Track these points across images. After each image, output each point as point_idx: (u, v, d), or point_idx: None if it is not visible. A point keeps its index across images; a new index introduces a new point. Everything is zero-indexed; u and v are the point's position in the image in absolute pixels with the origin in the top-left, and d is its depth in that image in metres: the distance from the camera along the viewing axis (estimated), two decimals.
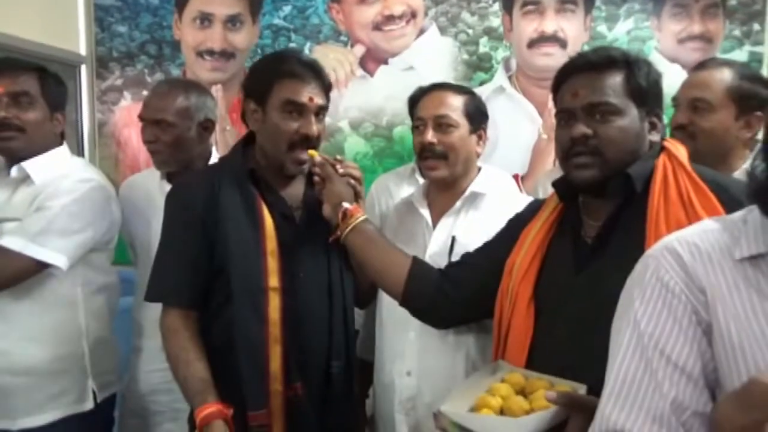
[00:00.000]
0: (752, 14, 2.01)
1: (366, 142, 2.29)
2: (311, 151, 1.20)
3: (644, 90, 0.93)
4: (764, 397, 0.31)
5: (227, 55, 2.36)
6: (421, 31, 2.23)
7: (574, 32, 2.12)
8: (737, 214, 0.65)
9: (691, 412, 0.57)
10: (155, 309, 1.43)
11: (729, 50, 2.02)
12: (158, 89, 1.53)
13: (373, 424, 1.44)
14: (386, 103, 2.25)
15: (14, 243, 1.30)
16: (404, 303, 1.14)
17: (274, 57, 1.25)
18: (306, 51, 2.30)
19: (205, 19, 2.36)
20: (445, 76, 2.15)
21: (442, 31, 2.22)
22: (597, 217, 0.96)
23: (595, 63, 0.94)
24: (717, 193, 0.86)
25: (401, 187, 1.64)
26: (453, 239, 1.25)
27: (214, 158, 1.57)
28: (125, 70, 2.45)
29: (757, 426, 0.30)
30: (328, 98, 1.23)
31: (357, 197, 1.21)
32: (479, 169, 1.35)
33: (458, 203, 1.29)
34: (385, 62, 2.26)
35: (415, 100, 1.37)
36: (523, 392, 0.88)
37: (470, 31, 2.20)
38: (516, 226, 1.08)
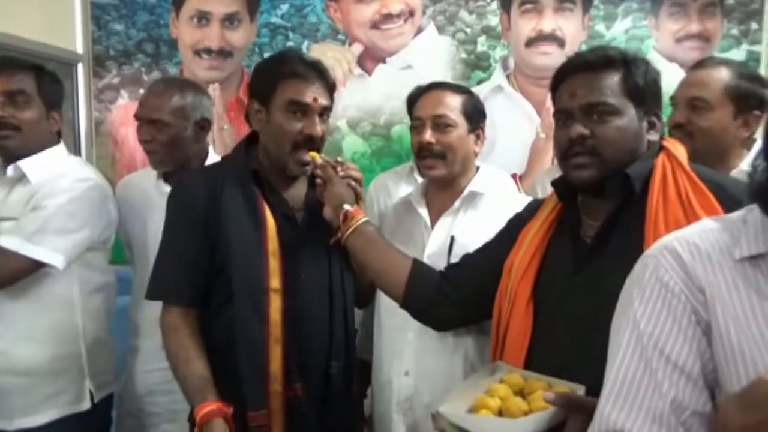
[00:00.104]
0: (750, 13, 2.02)
1: (364, 141, 2.29)
2: (312, 153, 1.20)
3: (642, 89, 0.92)
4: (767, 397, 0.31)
5: (225, 53, 2.35)
6: (419, 30, 2.23)
7: (572, 31, 2.12)
8: (737, 214, 0.64)
9: (691, 412, 0.57)
10: (152, 308, 1.43)
11: (727, 49, 2.03)
12: (154, 88, 1.52)
13: (371, 423, 1.44)
14: (384, 102, 2.25)
15: (10, 242, 1.29)
16: (405, 305, 1.14)
17: (278, 57, 1.25)
18: (304, 50, 2.29)
19: (203, 18, 2.35)
20: (443, 75, 2.15)
21: (440, 29, 2.22)
22: (596, 217, 0.96)
23: (592, 63, 0.94)
24: (715, 192, 0.86)
25: (400, 186, 1.64)
26: (452, 239, 1.25)
27: (211, 157, 1.56)
28: (122, 69, 2.44)
29: (760, 426, 0.30)
30: (332, 99, 1.23)
31: (358, 199, 1.21)
32: (477, 168, 1.35)
33: (457, 203, 1.29)
34: (383, 61, 2.26)
35: (413, 100, 1.37)
36: (521, 393, 0.88)
37: (468, 30, 2.20)
38: (515, 226, 1.08)
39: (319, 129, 1.19)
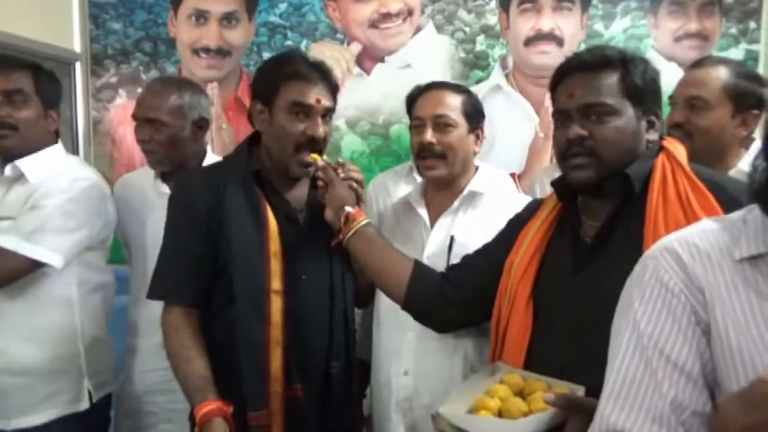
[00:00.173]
0: (748, 12, 2.02)
1: (363, 140, 2.28)
2: (314, 155, 1.20)
3: (640, 89, 0.92)
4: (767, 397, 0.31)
5: (223, 52, 2.35)
6: (418, 29, 2.23)
7: (571, 30, 2.12)
8: (737, 214, 0.64)
9: (691, 412, 0.57)
10: (150, 308, 1.43)
11: (725, 48, 2.03)
12: (152, 88, 1.52)
13: (369, 423, 1.44)
14: (383, 102, 2.25)
15: (8, 242, 1.29)
16: (406, 307, 1.14)
17: (281, 58, 1.25)
18: (302, 49, 2.29)
19: (201, 17, 2.35)
20: (442, 74, 2.15)
21: (439, 29, 2.21)
22: (596, 217, 0.96)
23: (590, 63, 0.93)
24: (715, 192, 0.86)
25: (399, 186, 1.64)
26: (452, 239, 1.25)
27: (209, 157, 1.56)
28: (120, 68, 2.44)
29: (760, 426, 0.30)
30: (335, 100, 1.23)
31: (359, 200, 1.21)
32: (477, 168, 1.35)
33: (456, 203, 1.29)
34: (382, 60, 2.26)
35: (412, 99, 1.37)
36: (521, 394, 0.88)
37: (467, 29, 2.20)
38: (515, 226, 1.08)
39: (321, 130, 1.19)
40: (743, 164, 1.32)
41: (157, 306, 1.29)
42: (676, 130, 1.32)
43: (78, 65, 2.44)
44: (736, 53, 2.01)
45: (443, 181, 1.30)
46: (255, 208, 1.17)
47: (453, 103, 1.27)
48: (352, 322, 1.28)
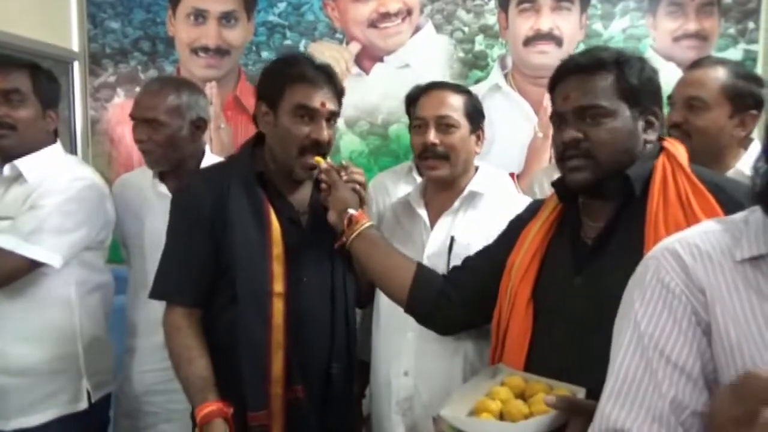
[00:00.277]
0: (747, 12, 2.02)
1: (362, 140, 2.28)
2: (317, 158, 1.20)
3: (636, 89, 0.92)
4: (757, 389, 0.32)
5: (222, 52, 2.35)
6: (417, 29, 2.22)
7: (570, 30, 2.12)
8: (739, 215, 0.65)
9: (690, 412, 0.57)
10: (149, 308, 1.43)
11: (724, 48, 2.03)
12: (149, 87, 1.51)
13: (369, 423, 1.44)
14: (382, 101, 2.25)
15: (7, 242, 1.29)
16: (408, 309, 1.14)
17: (287, 60, 1.24)
18: (301, 48, 2.29)
19: (200, 16, 2.34)
20: (441, 74, 2.15)
21: (438, 28, 2.21)
22: (596, 218, 0.96)
23: (584, 66, 0.94)
24: (715, 194, 0.86)
25: (399, 186, 1.64)
26: (452, 239, 1.25)
27: (208, 157, 1.56)
28: (118, 67, 2.43)
29: (747, 416, 0.31)
30: (340, 104, 1.23)
31: (362, 203, 1.21)
32: (476, 168, 1.35)
33: (456, 203, 1.29)
34: (381, 60, 2.25)
35: (412, 99, 1.37)
36: (522, 396, 0.88)
37: (466, 29, 2.20)
38: (516, 227, 1.08)
39: (326, 134, 1.19)
40: (741, 165, 1.33)
41: (155, 306, 1.29)
42: (675, 130, 1.33)
43: (76, 64, 2.43)
44: (735, 53, 2.01)
45: (444, 181, 1.29)
46: (258, 210, 1.17)
47: (455, 104, 1.27)
48: (353, 323, 1.28)
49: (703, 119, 1.32)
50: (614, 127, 0.91)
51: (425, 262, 1.21)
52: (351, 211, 1.16)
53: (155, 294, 1.21)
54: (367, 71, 2.27)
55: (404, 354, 1.27)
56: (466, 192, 1.29)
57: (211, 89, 2.32)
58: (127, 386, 1.55)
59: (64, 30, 2.40)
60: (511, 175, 2.00)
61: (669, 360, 0.59)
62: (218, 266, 1.17)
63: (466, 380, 1.19)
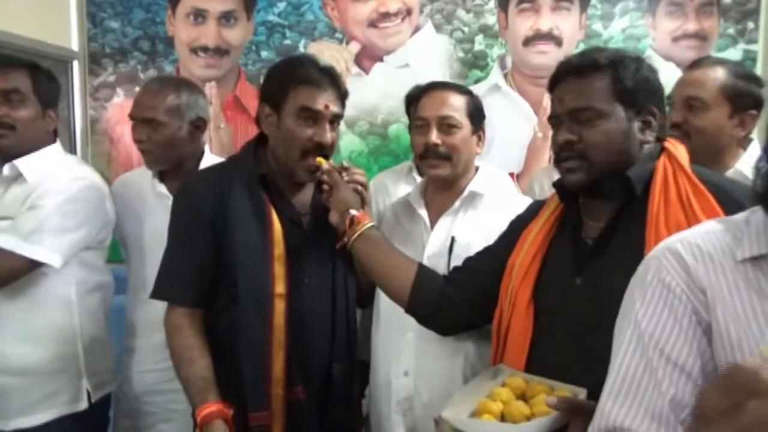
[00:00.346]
0: (746, 12, 2.02)
1: (361, 140, 2.28)
2: (319, 159, 1.20)
3: (631, 90, 0.92)
4: (743, 382, 0.32)
5: (221, 51, 2.34)
6: (417, 29, 2.22)
7: (570, 30, 2.12)
8: (740, 216, 0.65)
9: (690, 411, 0.57)
10: (148, 308, 1.43)
11: (723, 48, 2.03)
12: (149, 87, 1.51)
13: (368, 423, 1.44)
14: (381, 101, 2.25)
15: (7, 242, 1.28)
16: (410, 310, 1.14)
17: (291, 62, 1.24)
18: (301, 48, 2.29)
19: (199, 15, 2.34)
20: (441, 73, 2.15)
21: (438, 28, 2.21)
22: (597, 219, 0.97)
23: (578, 68, 0.95)
24: (716, 194, 0.86)
25: (399, 185, 1.64)
26: (452, 239, 1.25)
27: (207, 157, 1.56)
28: (118, 67, 2.43)
29: (734, 409, 0.32)
30: (343, 106, 1.23)
31: (363, 203, 1.21)
32: (477, 168, 1.35)
33: (457, 203, 1.29)
34: (381, 60, 2.25)
35: (412, 99, 1.36)
36: (523, 396, 0.88)
37: (466, 29, 2.20)
38: (517, 228, 1.08)
39: (329, 136, 1.19)
40: (741, 165, 1.33)
41: (154, 306, 1.29)
42: (674, 130, 1.33)
43: (76, 64, 2.43)
44: (734, 53, 2.01)
45: (445, 181, 1.29)
46: (260, 211, 1.17)
47: (458, 104, 1.27)
48: (354, 323, 1.28)
49: (702, 119, 1.32)
50: (608, 129, 0.92)
51: (425, 262, 1.21)
52: (352, 211, 1.16)
53: (157, 294, 1.21)
54: (366, 71, 2.27)
55: (404, 354, 1.27)
56: (466, 192, 1.29)
57: (210, 89, 2.32)
58: (126, 386, 1.55)
59: (64, 29, 2.39)
60: (511, 175, 2.01)
61: (669, 359, 0.59)
62: (219, 266, 1.17)
63: (467, 380, 1.19)
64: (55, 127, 1.47)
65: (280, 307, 1.16)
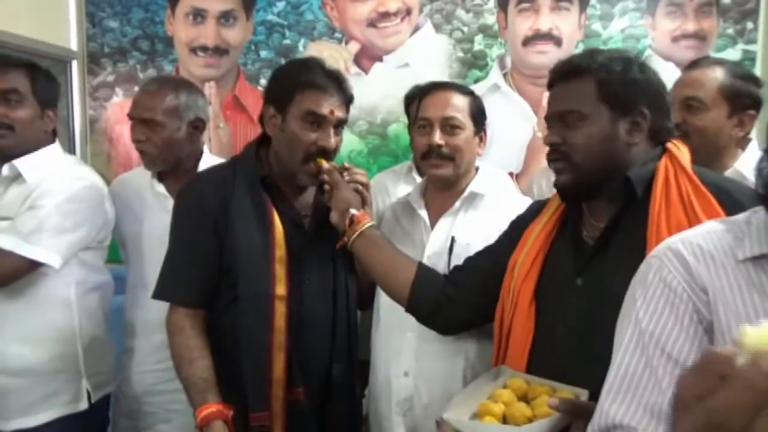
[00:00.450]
0: (746, 13, 2.02)
1: (360, 140, 2.28)
2: (320, 159, 1.20)
3: (616, 92, 0.93)
4: (716, 365, 0.33)
5: (220, 51, 2.34)
6: (416, 29, 2.22)
7: (569, 30, 2.12)
8: (741, 216, 0.65)
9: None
10: (147, 309, 1.43)
11: (722, 48, 2.03)
12: (147, 87, 1.50)
13: (367, 423, 1.44)
14: (381, 101, 2.24)
15: (6, 242, 1.28)
16: (410, 309, 1.14)
17: (298, 65, 1.25)
18: (300, 48, 2.29)
19: (198, 15, 2.34)
20: (440, 73, 2.15)
21: (437, 28, 2.21)
22: (599, 219, 0.97)
23: (565, 71, 0.97)
24: (717, 195, 0.86)
25: (398, 185, 1.64)
26: (452, 240, 1.25)
27: (206, 157, 1.55)
28: (117, 66, 2.43)
29: (709, 394, 0.32)
30: (348, 110, 1.23)
31: (364, 203, 1.21)
32: (477, 168, 1.35)
33: (457, 203, 1.29)
34: (380, 59, 2.25)
35: (411, 99, 1.36)
36: (525, 398, 0.88)
37: (465, 29, 2.20)
38: (518, 228, 1.09)
39: (333, 141, 1.19)
40: (739, 165, 1.33)
41: (153, 306, 1.29)
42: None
43: (75, 63, 2.42)
44: (734, 53, 2.01)
45: (446, 181, 1.29)
46: (261, 213, 1.17)
47: (461, 105, 1.27)
48: (355, 324, 1.29)
49: (701, 119, 1.32)
50: (590, 132, 0.93)
51: (425, 262, 1.21)
52: (353, 211, 1.17)
53: (159, 295, 1.21)
54: (366, 71, 2.26)
55: (404, 354, 1.27)
56: (466, 193, 1.29)
57: (209, 89, 2.32)
58: (125, 386, 1.55)
59: (63, 29, 2.39)
60: (510, 174, 2.00)
61: (670, 357, 0.59)
62: (221, 267, 1.17)
63: (467, 381, 1.20)
64: (54, 127, 1.47)
65: (280, 308, 1.16)
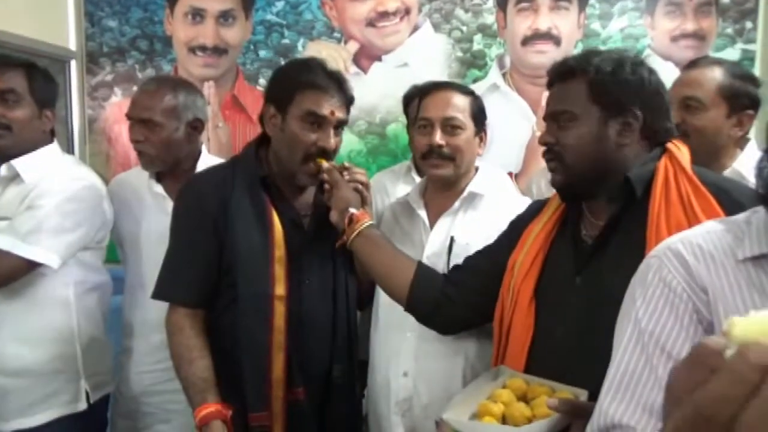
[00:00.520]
0: (745, 12, 2.02)
1: (360, 139, 2.28)
2: (320, 159, 1.20)
3: (606, 93, 0.93)
4: (706, 357, 0.33)
5: (219, 51, 2.34)
6: (415, 28, 2.22)
7: (568, 30, 2.12)
8: (741, 216, 0.65)
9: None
10: (145, 309, 1.43)
11: (722, 48, 2.03)
12: (146, 87, 1.50)
13: (367, 423, 1.44)
14: (380, 101, 2.24)
15: (4, 242, 1.28)
16: (409, 308, 1.14)
17: (299, 65, 1.25)
18: (299, 47, 2.29)
19: (197, 15, 2.34)
20: (439, 73, 2.15)
21: (436, 27, 2.21)
22: (598, 219, 0.97)
23: (560, 73, 0.98)
24: (717, 195, 0.86)
25: (397, 185, 1.64)
26: (452, 240, 1.25)
27: (205, 157, 1.55)
28: (116, 66, 2.42)
29: (699, 385, 0.33)
30: (348, 111, 1.23)
31: (364, 203, 1.21)
32: (476, 168, 1.35)
33: (456, 203, 1.29)
34: (379, 59, 2.25)
35: (410, 98, 1.36)
36: (524, 398, 0.88)
37: (464, 28, 2.20)
38: (517, 227, 1.09)
39: (333, 142, 1.19)
40: (738, 164, 1.33)
41: (152, 306, 1.29)
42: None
43: (73, 63, 2.42)
44: (733, 53, 2.01)
45: (446, 181, 1.29)
46: (261, 213, 1.17)
47: (462, 105, 1.27)
48: (355, 324, 1.29)
49: (700, 119, 1.32)
50: (580, 132, 0.94)
51: (425, 262, 1.21)
52: (352, 210, 1.17)
53: (159, 294, 1.21)
54: (365, 70, 2.26)
55: (404, 354, 1.27)
56: (466, 192, 1.29)
57: (208, 88, 2.32)
58: (124, 387, 1.55)
59: (61, 28, 2.38)
60: (509, 174, 2.00)
61: (670, 356, 0.59)
62: (221, 267, 1.17)
63: (466, 381, 1.20)
64: (53, 127, 1.47)
65: (280, 308, 1.16)
